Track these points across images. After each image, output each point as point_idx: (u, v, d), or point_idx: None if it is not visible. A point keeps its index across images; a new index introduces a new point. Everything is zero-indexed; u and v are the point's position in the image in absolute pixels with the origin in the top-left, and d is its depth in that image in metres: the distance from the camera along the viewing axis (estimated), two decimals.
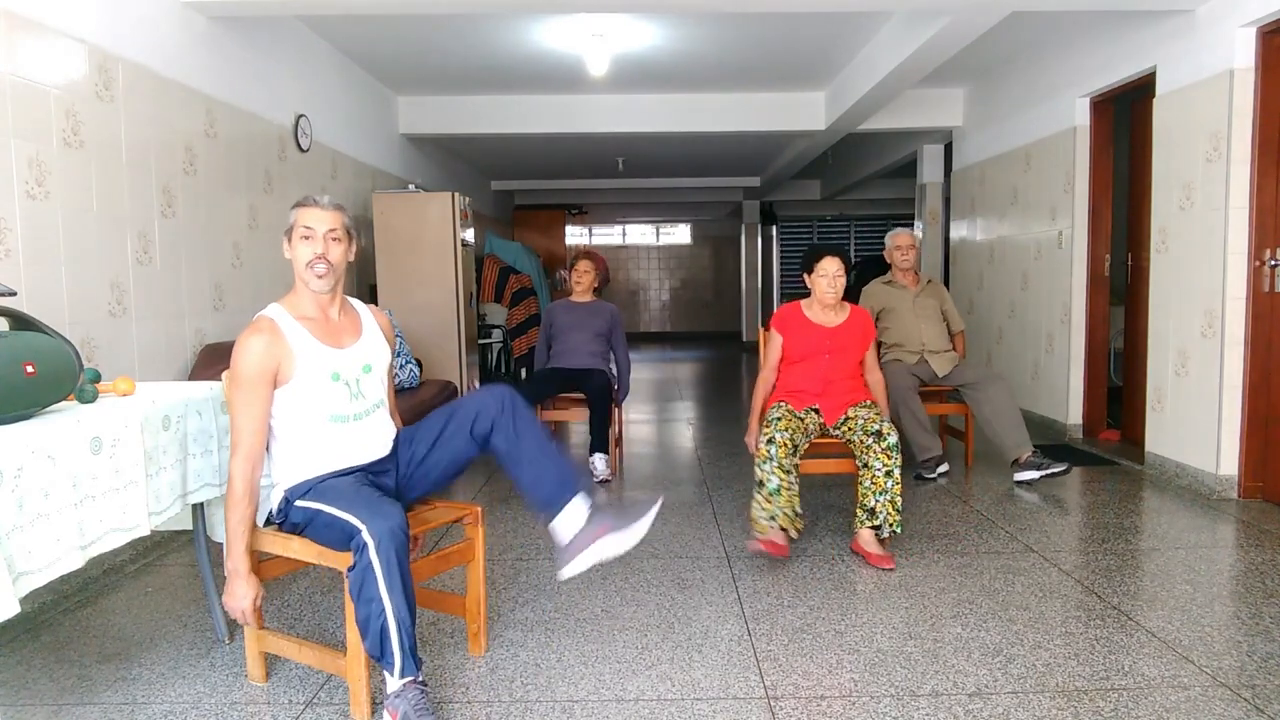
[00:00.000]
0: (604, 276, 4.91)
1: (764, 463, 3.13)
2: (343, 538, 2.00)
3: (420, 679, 1.99)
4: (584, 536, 2.20)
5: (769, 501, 3.11)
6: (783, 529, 3.11)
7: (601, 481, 4.45)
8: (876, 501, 3.13)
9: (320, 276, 2.18)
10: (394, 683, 1.97)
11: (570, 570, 2.21)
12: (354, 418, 2.23)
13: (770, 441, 3.14)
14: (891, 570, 3.06)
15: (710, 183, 12.34)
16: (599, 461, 4.48)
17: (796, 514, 3.13)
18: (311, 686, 2.26)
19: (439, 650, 2.47)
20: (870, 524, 3.14)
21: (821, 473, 3.43)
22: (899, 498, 3.14)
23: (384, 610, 1.92)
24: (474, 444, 2.28)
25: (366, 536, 1.93)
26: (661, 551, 3.34)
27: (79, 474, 1.91)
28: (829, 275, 3.38)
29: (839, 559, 3.19)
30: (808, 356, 3.42)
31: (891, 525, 3.13)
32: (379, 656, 1.96)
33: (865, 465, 3.17)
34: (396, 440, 2.36)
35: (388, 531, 1.94)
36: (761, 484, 3.13)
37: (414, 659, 1.97)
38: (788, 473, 3.13)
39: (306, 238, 2.18)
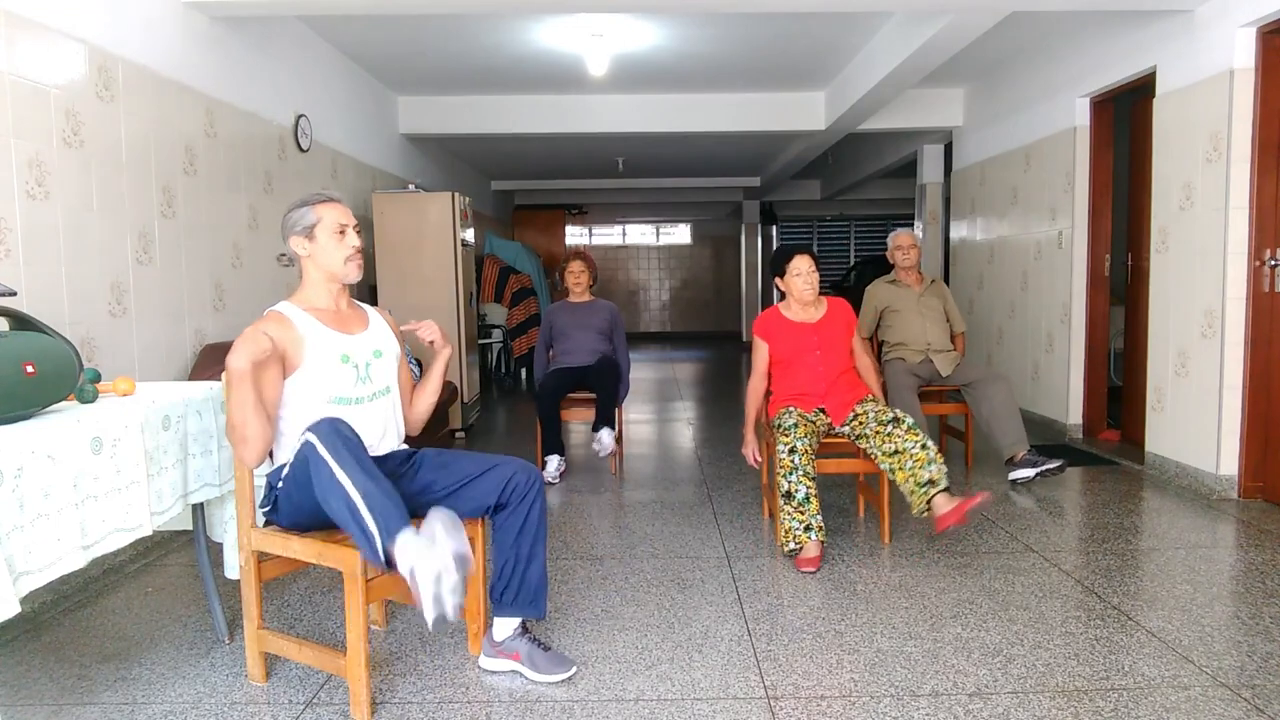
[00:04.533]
0: (594, 274, 4.96)
1: (790, 473, 3.10)
2: (303, 461, 1.98)
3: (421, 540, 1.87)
4: (505, 646, 2.30)
5: (801, 512, 3.09)
6: (818, 539, 3.09)
7: (608, 456, 4.54)
8: (930, 471, 3.05)
9: (359, 267, 2.28)
10: (404, 569, 1.84)
11: (486, 664, 2.33)
12: (356, 401, 2.23)
13: (793, 451, 3.12)
14: (985, 502, 3.06)
15: (710, 183, 12.35)
16: (605, 435, 4.50)
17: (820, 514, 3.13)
18: (311, 686, 2.26)
19: (439, 650, 2.47)
20: (937, 491, 3.03)
21: (826, 472, 3.42)
22: (940, 463, 3.07)
23: (344, 490, 1.87)
24: (488, 509, 2.25)
25: (310, 436, 1.94)
26: (661, 551, 3.34)
27: (80, 474, 1.91)
28: (803, 273, 3.38)
29: (839, 559, 3.19)
30: (798, 355, 3.41)
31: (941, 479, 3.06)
32: (367, 547, 1.87)
33: (896, 451, 3.12)
34: (415, 459, 2.34)
35: (329, 425, 1.94)
36: (790, 495, 3.10)
37: (391, 527, 1.85)
38: (813, 480, 3.12)
39: (342, 233, 2.24)
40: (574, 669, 2.29)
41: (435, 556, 1.82)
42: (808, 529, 3.08)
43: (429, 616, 1.83)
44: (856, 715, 2.08)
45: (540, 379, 4.76)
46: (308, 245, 2.23)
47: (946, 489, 3.06)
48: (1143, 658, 2.35)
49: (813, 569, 3.03)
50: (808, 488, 3.09)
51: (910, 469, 3.10)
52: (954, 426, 4.99)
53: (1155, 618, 2.61)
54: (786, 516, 3.11)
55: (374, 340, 2.31)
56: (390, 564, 1.88)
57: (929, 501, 3.05)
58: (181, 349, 3.76)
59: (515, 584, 2.26)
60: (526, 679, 2.27)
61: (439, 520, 1.87)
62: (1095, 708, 2.08)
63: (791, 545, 3.10)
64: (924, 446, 3.09)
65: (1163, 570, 3.05)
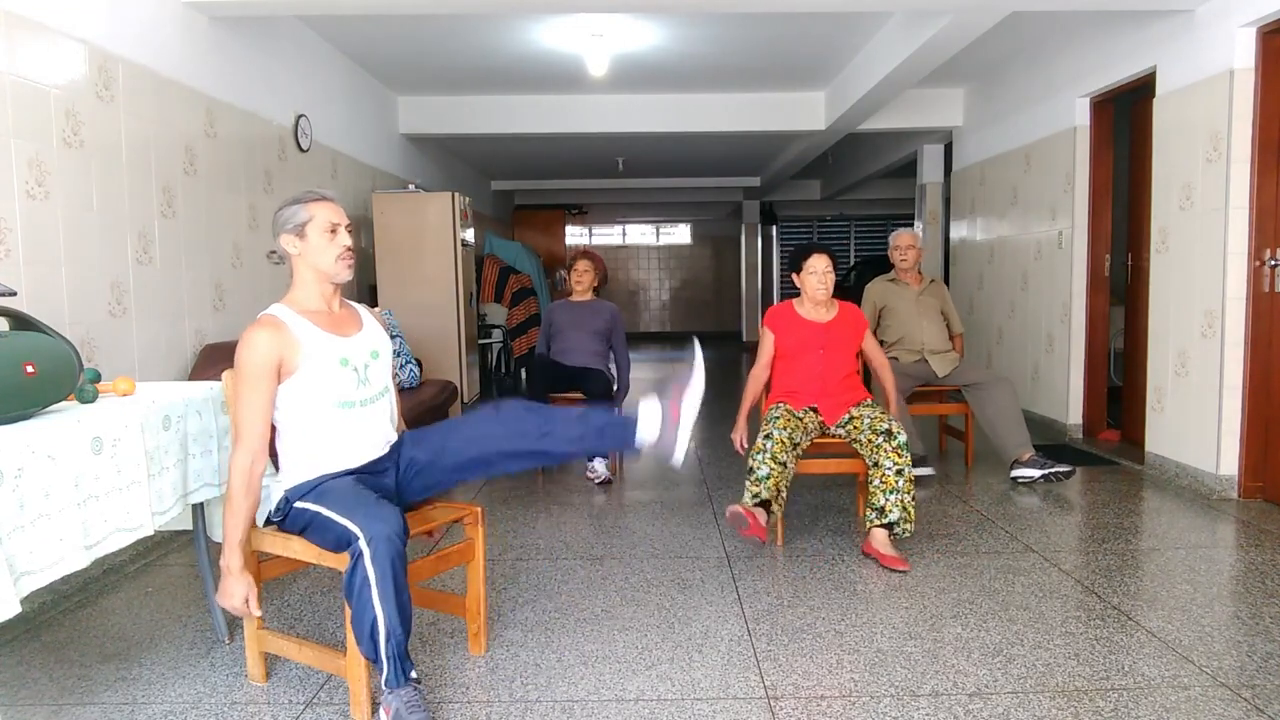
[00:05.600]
0: (603, 275, 4.92)
1: (758, 454, 3.16)
2: (340, 542, 2.00)
3: (414, 676, 1.99)
4: (669, 421, 2.32)
5: (755, 484, 3.13)
6: (764, 505, 3.10)
7: (602, 483, 4.45)
8: (887, 500, 3.10)
9: (350, 267, 2.25)
10: (387, 706, 1.98)
11: (680, 452, 2.33)
12: (361, 403, 2.23)
13: (768, 437, 3.16)
14: (905, 572, 3.03)
15: (710, 183, 12.35)
16: (598, 464, 4.47)
17: (779, 492, 3.14)
18: (311, 686, 2.27)
19: (439, 650, 2.47)
20: (880, 523, 3.11)
21: (826, 472, 3.43)
22: (909, 496, 3.12)
23: (376, 618, 1.92)
24: (479, 466, 2.27)
25: (363, 544, 1.93)
26: (661, 551, 3.34)
27: (80, 474, 1.91)
28: (819, 272, 3.41)
29: (839, 559, 3.19)
30: (802, 352, 3.43)
31: (906, 524, 3.10)
32: (373, 660, 1.97)
33: (875, 464, 3.16)
34: (400, 441, 2.35)
35: (384, 538, 1.93)
36: (751, 470, 3.15)
37: (402, 668, 1.96)
38: (782, 465, 3.14)
39: (333, 231, 2.21)
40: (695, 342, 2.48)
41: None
42: (755, 497, 3.11)
43: None
44: (856, 715, 2.08)
45: (535, 366, 4.74)
46: (299, 244, 2.20)
47: (890, 527, 3.12)
48: (1143, 658, 2.35)
49: (745, 519, 3.02)
50: (770, 468, 3.12)
51: (876, 486, 3.14)
52: (954, 426, 4.99)
53: (1155, 618, 2.61)
54: (745, 489, 3.15)
55: (369, 341, 2.30)
56: (380, 694, 1.99)
57: (870, 525, 3.16)
58: (181, 349, 3.76)
59: (608, 436, 2.33)
60: (692, 389, 2.35)
61: None
62: (1095, 708, 2.08)
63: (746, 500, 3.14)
64: (899, 472, 3.11)
65: (1163, 570, 3.05)
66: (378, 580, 1.92)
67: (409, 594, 1.99)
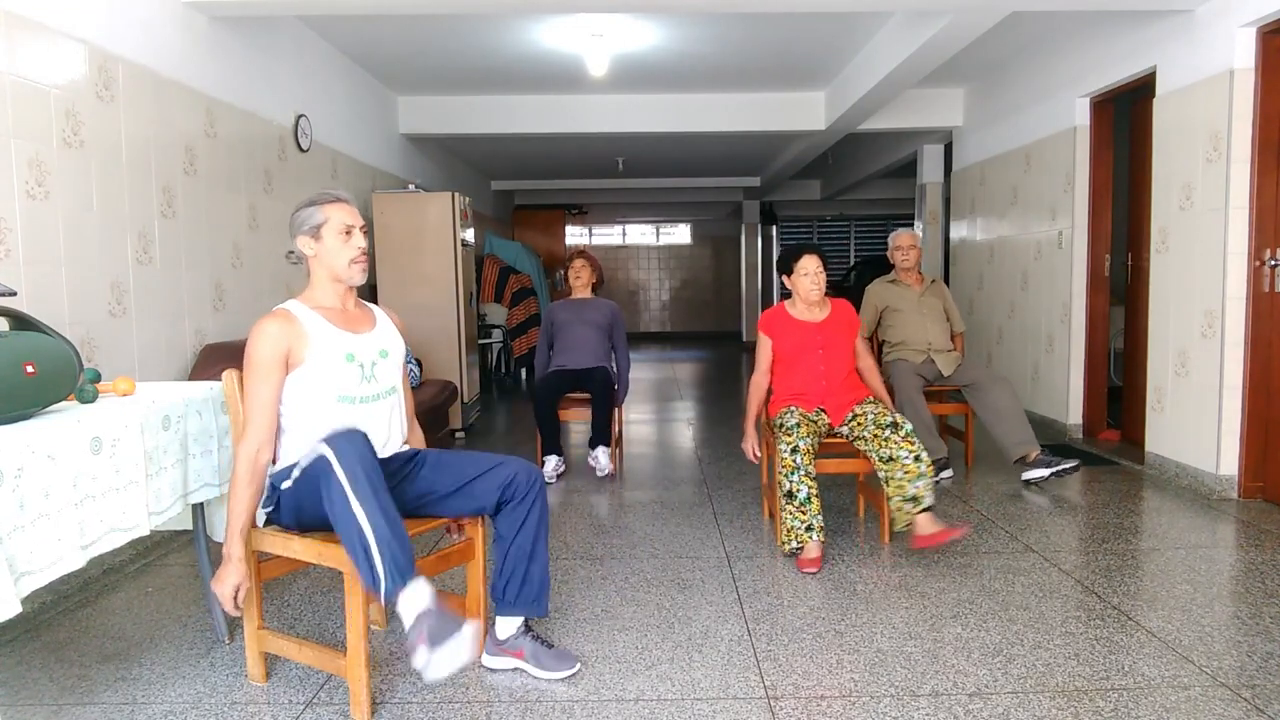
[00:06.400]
0: (599, 275, 4.94)
1: (792, 473, 3.11)
2: (315, 476, 1.97)
3: (430, 598, 1.91)
4: (509, 644, 2.31)
5: (803, 512, 3.09)
6: (819, 540, 3.09)
7: (606, 477, 4.44)
8: (916, 487, 3.07)
9: (363, 271, 2.26)
10: (406, 617, 1.91)
11: (489, 662, 2.34)
12: (361, 400, 2.23)
13: (795, 450, 3.12)
14: (967, 531, 3.06)
15: (710, 183, 12.35)
16: (601, 455, 4.48)
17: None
18: (311, 686, 2.27)
19: None
20: (918, 511, 3.08)
21: (826, 473, 3.42)
22: (931, 477, 3.10)
23: (361, 527, 1.87)
24: (491, 507, 2.25)
25: (330, 456, 1.92)
26: (661, 551, 3.34)
27: (79, 474, 1.91)
28: (810, 273, 3.40)
29: (839, 559, 3.19)
30: (801, 354, 3.42)
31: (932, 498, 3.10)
32: (372, 585, 1.90)
33: (890, 458, 3.12)
34: (416, 459, 2.34)
35: (349, 444, 1.92)
36: (792, 495, 3.10)
37: (402, 573, 1.89)
38: (814, 479, 3.13)
39: (347, 233, 2.23)
40: (578, 666, 2.30)
41: (450, 635, 1.87)
42: (809, 529, 3.08)
43: (417, 662, 1.88)
44: (856, 715, 2.08)
45: (537, 379, 4.76)
46: (314, 245, 2.23)
47: (930, 508, 3.10)
48: (1143, 658, 2.35)
49: (814, 569, 3.04)
50: (809, 487, 3.09)
51: (899, 480, 3.11)
52: (954, 426, 4.99)
53: (1155, 618, 2.61)
54: (788, 516, 3.11)
55: (380, 340, 2.31)
56: (390, 603, 1.93)
57: (909, 517, 3.12)
58: (181, 349, 3.76)
59: (517, 582, 2.27)
60: (530, 676, 2.27)
61: (469, 629, 1.91)
62: (1095, 708, 2.08)
63: (793, 545, 3.10)
64: (917, 458, 3.09)
65: (1163, 570, 3.05)
66: (351, 482, 1.88)
67: (393, 504, 1.94)
